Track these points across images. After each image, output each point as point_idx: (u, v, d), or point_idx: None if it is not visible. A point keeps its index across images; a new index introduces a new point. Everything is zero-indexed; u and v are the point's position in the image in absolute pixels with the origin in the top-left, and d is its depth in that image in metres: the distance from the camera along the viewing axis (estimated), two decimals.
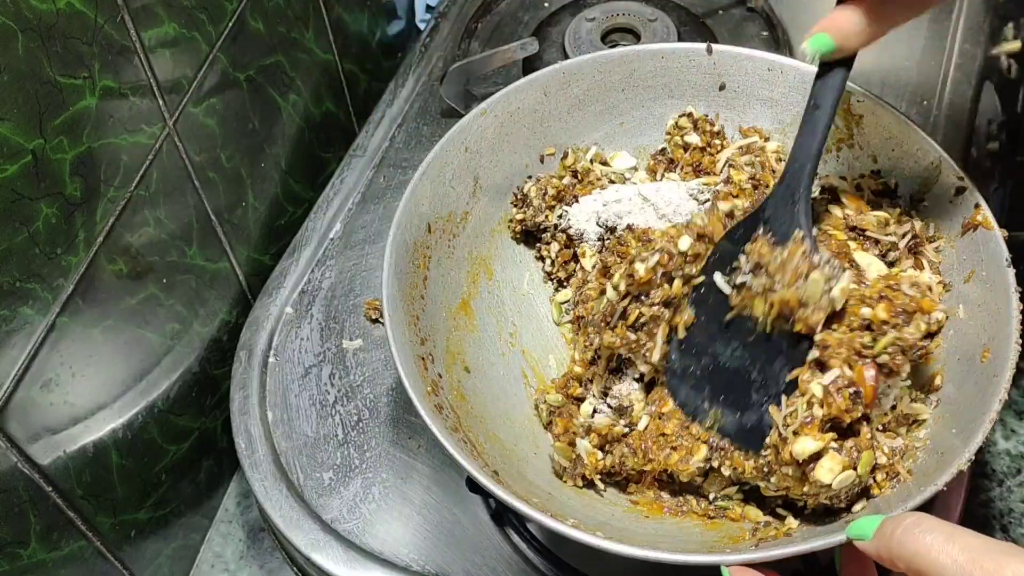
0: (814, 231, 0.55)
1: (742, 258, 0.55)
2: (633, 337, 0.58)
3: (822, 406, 0.51)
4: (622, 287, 0.58)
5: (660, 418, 0.58)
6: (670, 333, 0.58)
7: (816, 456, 0.51)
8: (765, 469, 0.53)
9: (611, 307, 0.59)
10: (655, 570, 0.50)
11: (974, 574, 0.38)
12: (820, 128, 0.55)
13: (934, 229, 0.61)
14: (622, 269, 0.58)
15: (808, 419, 0.51)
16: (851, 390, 0.51)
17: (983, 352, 0.55)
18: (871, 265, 0.57)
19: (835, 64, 0.55)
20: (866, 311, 0.52)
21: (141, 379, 0.67)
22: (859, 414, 0.52)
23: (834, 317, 0.52)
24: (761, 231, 0.55)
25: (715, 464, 0.55)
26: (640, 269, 0.57)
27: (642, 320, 0.58)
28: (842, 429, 0.52)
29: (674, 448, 0.56)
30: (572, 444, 0.59)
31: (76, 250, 0.58)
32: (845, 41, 0.53)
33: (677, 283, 0.57)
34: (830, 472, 0.51)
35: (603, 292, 0.60)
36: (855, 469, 0.51)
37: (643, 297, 0.57)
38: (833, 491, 0.51)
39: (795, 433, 0.52)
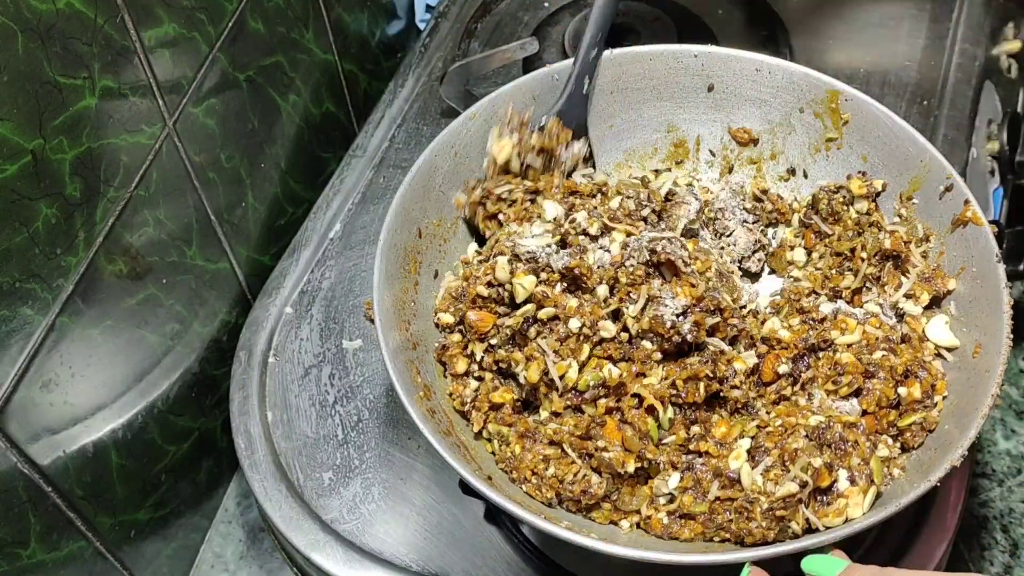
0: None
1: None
2: None
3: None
4: None
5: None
6: None
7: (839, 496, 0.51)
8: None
9: None
10: (647, 571, 0.50)
11: None
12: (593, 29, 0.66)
13: (924, 227, 0.61)
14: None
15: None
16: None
17: (975, 348, 0.55)
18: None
19: None
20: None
21: (141, 379, 0.67)
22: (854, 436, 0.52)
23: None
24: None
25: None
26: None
27: None
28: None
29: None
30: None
31: (76, 250, 0.58)
32: None
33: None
34: (858, 507, 0.50)
35: None
36: (873, 483, 0.51)
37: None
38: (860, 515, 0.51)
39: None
